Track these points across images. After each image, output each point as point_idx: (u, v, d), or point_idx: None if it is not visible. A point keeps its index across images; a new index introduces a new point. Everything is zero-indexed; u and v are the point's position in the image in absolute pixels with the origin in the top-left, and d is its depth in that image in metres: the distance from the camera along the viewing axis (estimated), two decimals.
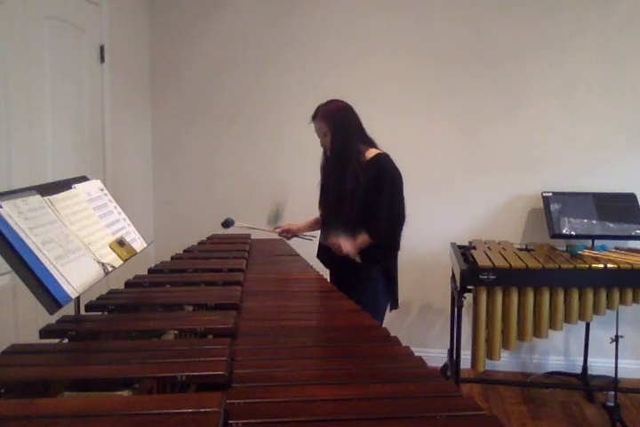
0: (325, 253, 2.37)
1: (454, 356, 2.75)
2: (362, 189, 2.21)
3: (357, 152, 2.26)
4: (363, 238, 2.25)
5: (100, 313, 1.62)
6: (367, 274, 2.28)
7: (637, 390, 3.05)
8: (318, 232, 2.51)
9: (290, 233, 2.53)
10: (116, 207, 1.92)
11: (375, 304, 2.25)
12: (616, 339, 2.69)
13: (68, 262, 1.41)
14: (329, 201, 2.35)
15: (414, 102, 3.31)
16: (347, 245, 2.23)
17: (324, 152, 2.37)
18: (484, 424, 0.94)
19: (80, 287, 1.40)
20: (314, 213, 2.50)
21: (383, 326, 1.53)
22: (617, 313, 2.67)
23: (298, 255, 2.49)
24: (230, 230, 3.09)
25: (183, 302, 1.66)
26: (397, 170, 2.27)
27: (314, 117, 2.30)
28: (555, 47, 3.17)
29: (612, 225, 2.93)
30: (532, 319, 2.60)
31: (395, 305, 2.39)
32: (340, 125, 2.24)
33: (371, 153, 2.27)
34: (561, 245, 2.99)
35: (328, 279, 2.28)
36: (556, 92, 3.20)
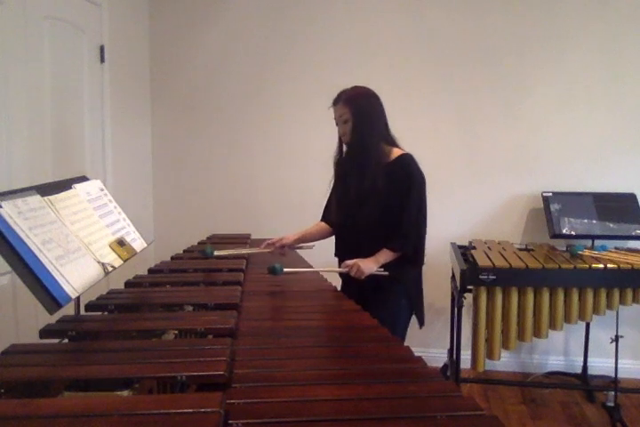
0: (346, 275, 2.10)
1: (454, 356, 2.75)
2: (383, 192, 2.03)
3: (379, 148, 2.06)
4: (385, 253, 2.04)
5: (100, 313, 1.62)
6: (388, 291, 2.09)
7: (637, 390, 3.05)
8: (318, 243, 2.34)
9: (284, 248, 2.25)
10: (115, 207, 1.92)
11: (395, 321, 2.06)
12: (616, 339, 2.69)
13: (68, 262, 1.41)
14: (347, 200, 2.13)
15: (414, 103, 3.30)
16: (367, 264, 2.02)
17: (339, 146, 2.16)
18: (484, 424, 0.94)
19: (80, 287, 1.41)
20: (316, 216, 2.40)
21: (405, 343, 1.40)
22: (617, 313, 2.67)
23: (297, 254, 2.48)
24: (228, 231, 3.10)
25: (183, 302, 1.66)
26: (422, 173, 2.10)
27: (336, 102, 2.07)
28: (555, 47, 3.17)
29: (612, 225, 2.93)
30: (531, 319, 2.60)
31: (421, 322, 2.19)
32: (364, 113, 2.04)
33: (395, 153, 2.08)
34: (561, 245, 2.99)
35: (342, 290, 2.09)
36: (556, 92, 3.20)
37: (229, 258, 2.30)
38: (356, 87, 2.12)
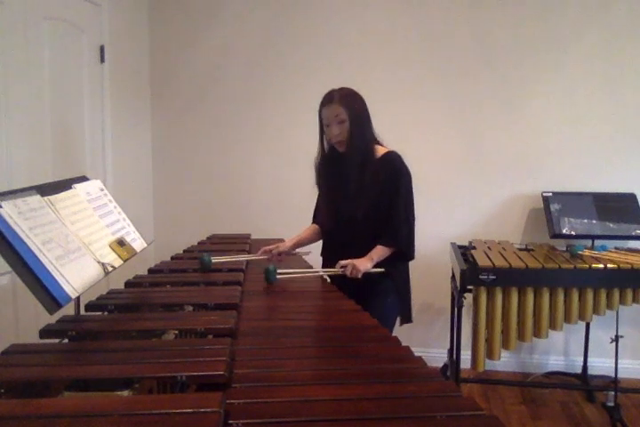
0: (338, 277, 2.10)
1: (454, 356, 2.75)
2: (375, 189, 2.05)
3: (373, 146, 2.08)
4: (380, 250, 2.05)
5: (100, 313, 1.62)
6: (376, 287, 2.08)
7: (637, 390, 3.04)
8: (313, 246, 2.33)
9: (281, 255, 2.23)
10: (115, 207, 1.92)
11: (383, 318, 1.98)
12: (616, 339, 2.69)
13: (68, 262, 1.41)
14: (342, 200, 2.12)
15: (415, 103, 3.30)
16: (362, 263, 2.00)
17: (322, 148, 2.14)
18: (484, 424, 0.94)
19: (80, 287, 1.41)
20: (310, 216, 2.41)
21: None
22: (617, 313, 2.67)
23: (297, 255, 2.48)
24: (228, 231, 3.10)
25: (183, 302, 1.67)
26: (408, 169, 2.10)
27: (329, 102, 2.03)
28: (555, 48, 3.17)
29: (612, 225, 2.93)
30: (531, 319, 2.60)
31: (407, 319, 2.18)
32: (359, 112, 2.04)
33: (380, 151, 2.10)
34: (561, 245, 2.99)
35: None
36: (556, 93, 3.20)
37: (227, 266, 2.19)
38: (343, 88, 2.09)
